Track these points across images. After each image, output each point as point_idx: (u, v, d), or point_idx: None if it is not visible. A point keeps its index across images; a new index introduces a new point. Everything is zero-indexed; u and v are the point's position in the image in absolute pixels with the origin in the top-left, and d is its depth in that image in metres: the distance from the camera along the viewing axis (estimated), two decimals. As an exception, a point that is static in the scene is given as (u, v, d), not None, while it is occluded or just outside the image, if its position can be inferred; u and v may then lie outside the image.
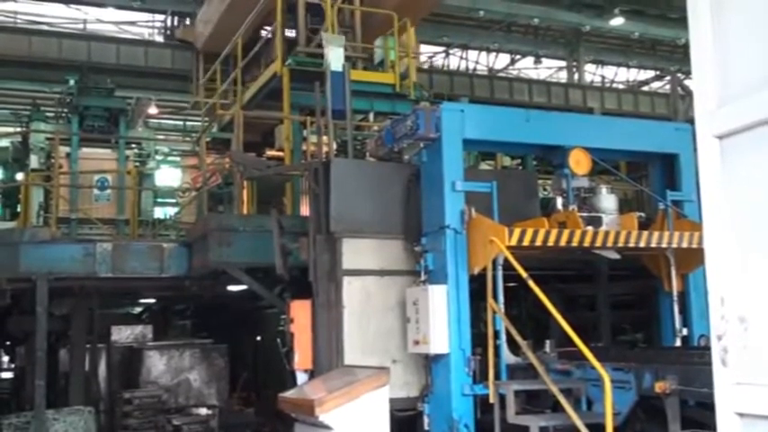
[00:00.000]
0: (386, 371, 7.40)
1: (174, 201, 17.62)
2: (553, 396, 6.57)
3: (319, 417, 6.85)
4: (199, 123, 20.56)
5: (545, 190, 12.83)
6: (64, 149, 14.10)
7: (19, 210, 13.90)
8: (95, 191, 14.35)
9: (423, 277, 7.79)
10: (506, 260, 7.06)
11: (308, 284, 8.23)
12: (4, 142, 17.39)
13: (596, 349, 6.80)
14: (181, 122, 24.92)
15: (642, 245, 7.77)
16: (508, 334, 7.14)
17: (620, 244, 7.67)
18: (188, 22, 19.68)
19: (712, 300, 2.21)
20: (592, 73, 28.90)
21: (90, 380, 12.31)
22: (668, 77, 26.37)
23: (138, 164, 15.31)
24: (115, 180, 14.59)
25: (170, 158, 18.33)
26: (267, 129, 12.82)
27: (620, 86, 28.79)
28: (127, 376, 12.45)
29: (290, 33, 12.55)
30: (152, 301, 14.93)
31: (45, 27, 22.06)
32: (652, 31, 24.58)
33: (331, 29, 11.49)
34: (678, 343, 8.42)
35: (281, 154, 11.97)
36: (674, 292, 8.49)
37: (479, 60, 28.09)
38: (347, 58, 11.43)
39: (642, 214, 8.89)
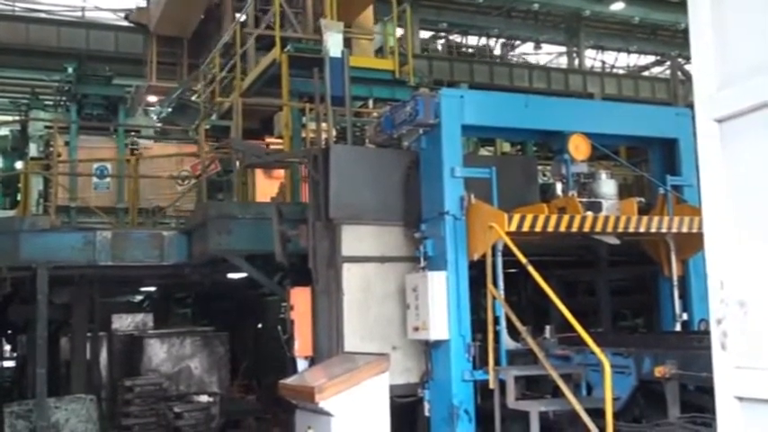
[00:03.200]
0: (386, 357, 7.41)
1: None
2: (553, 381, 6.59)
3: (320, 403, 6.87)
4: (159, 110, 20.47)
5: (544, 176, 12.79)
6: (63, 138, 14.07)
7: (18, 198, 13.88)
8: (95, 179, 14.31)
9: (422, 264, 7.79)
10: (506, 246, 7.06)
11: (307, 271, 8.23)
12: (3, 131, 17.35)
13: (596, 335, 6.80)
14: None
15: (642, 230, 7.77)
16: (508, 320, 7.15)
17: (620, 229, 7.67)
18: (139, 3, 19.63)
19: (712, 284, 2.20)
20: (592, 58, 28.83)
21: (91, 368, 12.34)
22: (668, 62, 26.31)
23: (137, 152, 15.24)
24: (114, 168, 14.55)
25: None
26: (266, 116, 12.79)
27: (621, 71, 28.74)
28: (128, 364, 12.48)
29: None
30: (152, 289, 14.94)
31: (43, 15, 21.99)
32: (652, 15, 24.50)
33: (330, 15, 11.44)
34: (678, 328, 8.44)
35: (280, 141, 11.94)
36: (674, 277, 8.50)
37: (479, 46, 28.00)
38: (298, 41, 11.40)
39: (642, 199, 8.87)
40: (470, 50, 26.55)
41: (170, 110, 16.24)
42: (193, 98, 16.30)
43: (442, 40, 26.11)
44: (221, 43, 14.10)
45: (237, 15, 13.78)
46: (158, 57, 18.33)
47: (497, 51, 27.68)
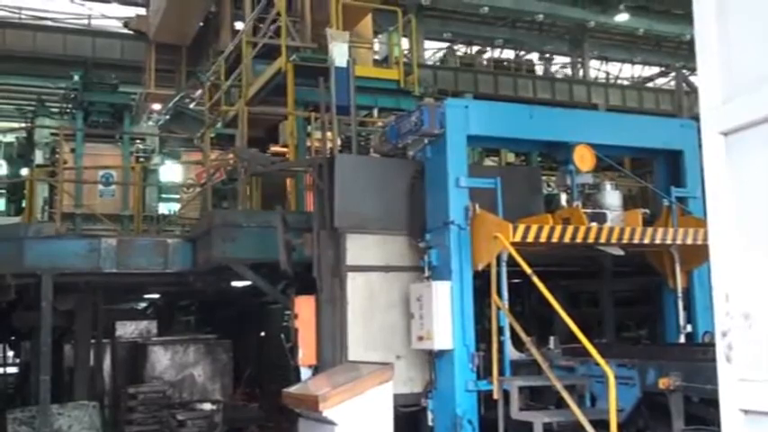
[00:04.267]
0: (390, 366, 7.40)
1: (178, 196, 17.62)
2: (557, 392, 6.57)
3: (323, 412, 6.86)
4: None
5: (549, 186, 12.81)
6: (68, 145, 14.12)
7: (24, 205, 13.93)
8: (100, 186, 14.36)
9: (427, 273, 7.79)
10: (510, 256, 7.06)
11: (312, 280, 8.23)
12: (9, 138, 17.43)
13: (600, 346, 6.80)
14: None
15: (646, 241, 7.76)
16: (512, 330, 7.14)
17: (625, 240, 7.67)
18: (143, 12, 19.67)
19: (717, 296, 2.21)
20: (596, 69, 28.84)
21: (95, 375, 12.34)
22: (673, 74, 26.29)
23: (142, 159, 15.31)
24: (120, 176, 14.60)
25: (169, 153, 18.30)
26: (271, 124, 12.81)
27: (625, 82, 28.75)
28: (131, 371, 12.47)
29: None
30: (156, 296, 14.95)
31: (49, 23, 22.10)
32: (657, 27, 24.54)
33: (336, 24, 11.48)
34: (682, 339, 8.42)
35: (285, 150, 11.96)
36: (679, 289, 8.49)
37: (484, 56, 28.00)
38: (296, 50, 11.45)
39: (646, 211, 8.88)
40: (513, 65, 26.05)
41: (167, 117, 16.27)
42: (191, 106, 16.32)
43: (487, 55, 25.81)
44: (227, 52, 14.14)
45: (236, 24, 13.76)
46: (157, 64, 18.39)
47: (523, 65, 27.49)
